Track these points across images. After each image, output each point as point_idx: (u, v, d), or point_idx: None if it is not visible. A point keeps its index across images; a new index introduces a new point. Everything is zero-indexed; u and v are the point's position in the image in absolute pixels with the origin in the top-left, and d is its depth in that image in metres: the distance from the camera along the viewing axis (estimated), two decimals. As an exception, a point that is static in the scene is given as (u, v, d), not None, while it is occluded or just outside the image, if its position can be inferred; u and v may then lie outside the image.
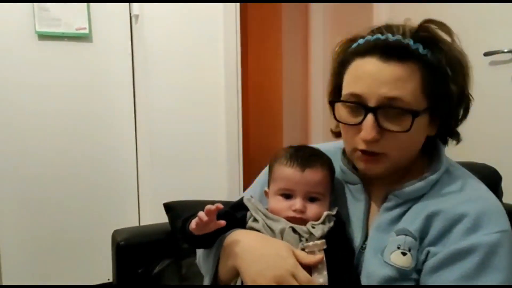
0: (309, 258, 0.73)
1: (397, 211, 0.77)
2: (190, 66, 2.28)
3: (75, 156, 2.20)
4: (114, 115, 2.26)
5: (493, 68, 1.69)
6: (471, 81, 0.76)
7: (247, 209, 0.83)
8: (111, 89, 2.23)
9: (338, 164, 0.87)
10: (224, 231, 0.79)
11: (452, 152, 0.83)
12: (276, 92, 3.61)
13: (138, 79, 2.26)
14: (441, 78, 0.73)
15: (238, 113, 2.38)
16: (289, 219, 0.79)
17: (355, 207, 0.83)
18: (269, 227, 0.79)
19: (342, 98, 0.78)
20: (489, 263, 0.67)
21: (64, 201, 2.19)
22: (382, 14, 2.27)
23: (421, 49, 0.72)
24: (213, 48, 2.30)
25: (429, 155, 0.82)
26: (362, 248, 0.79)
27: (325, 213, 0.79)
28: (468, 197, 0.73)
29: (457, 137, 0.81)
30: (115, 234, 1.38)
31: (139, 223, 2.33)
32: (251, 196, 0.88)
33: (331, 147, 0.90)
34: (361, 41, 0.77)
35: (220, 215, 0.74)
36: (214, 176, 2.36)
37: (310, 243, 0.75)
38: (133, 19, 2.22)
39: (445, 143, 0.82)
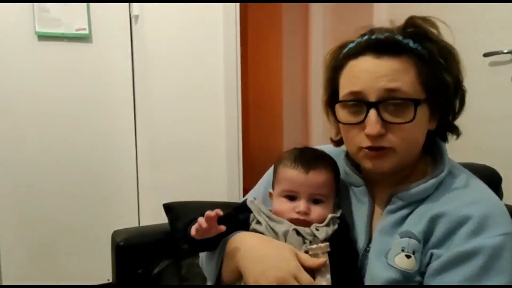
0: (313, 261, 0.73)
1: (400, 214, 0.77)
2: (190, 66, 2.27)
3: (75, 157, 2.20)
4: (114, 116, 2.25)
5: (493, 68, 1.69)
6: (463, 71, 0.77)
7: (250, 211, 0.83)
8: (111, 89, 2.23)
9: (342, 166, 0.87)
10: (227, 233, 0.79)
11: (452, 152, 0.83)
12: (276, 92, 3.61)
13: (138, 80, 2.26)
14: (435, 69, 0.74)
15: (238, 113, 2.37)
16: (293, 221, 0.79)
17: (359, 210, 0.83)
18: (272, 229, 0.79)
19: (341, 99, 0.78)
20: (493, 265, 0.67)
21: (64, 202, 2.19)
22: (382, 14, 2.27)
23: (411, 43, 0.74)
24: (213, 48, 2.30)
25: (431, 156, 0.82)
26: (366, 250, 0.79)
27: (330, 215, 0.79)
28: (472, 199, 0.73)
29: (456, 131, 0.82)
30: (115, 234, 1.38)
31: (139, 224, 2.33)
32: (254, 198, 0.88)
33: (334, 149, 0.90)
34: (351, 44, 0.78)
35: (222, 217, 0.74)
36: (214, 176, 2.36)
37: (314, 246, 0.75)
38: (133, 19, 2.21)
39: (445, 140, 0.83)
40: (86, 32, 2.13)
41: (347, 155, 0.87)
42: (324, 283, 0.73)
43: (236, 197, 2.35)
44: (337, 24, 3.00)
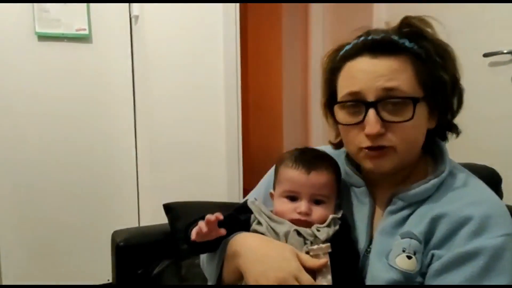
0: (313, 262, 0.73)
1: (401, 214, 0.77)
2: (190, 66, 2.27)
3: (75, 157, 2.19)
4: (114, 116, 2.25)
5: (493, 69, 1.69)
6: (460, 69, 0.78)
7: (251, 212, 0.83)
8: (111, 89, 2.23)
9: (342, 166, 0.87)
10: (227, 234, 0.78)
11: (452, 152, 0.83)
12: (276, 92, 3.61)
13: (138, 80, 2.25)
14: (432, 67, 0.75)
15: (238, 113, 2.37)
16: (294, 221, 0.79)
17: (360, 211, 0.83)
18: (273, 230, 0.78)
19: (339, 100, 0.78)
20: (494, 266, 0.67)
21: (64, 202, 2.19)
22: (382, 14, 2.27)
23: (407, 42, 0.74)
24: (213, 48, 2.30)
25: (431, 156, 0.82)
26: (367, 251, 0.79)
27: (331, 216, 0.79)
28: (473, 199, 0.73)
29: (456, 130, 0.82)
30: (115, 234, 1.38)
31: (139, 224, 2.32)
32: (255, 198, 0.88)
33: (335, 149, 0.90)
34: (348, 46, 0.79)
35: (223, 219, 0.74)
36: (214, 176, 2.36)
37: (315, 247, 0.75)
38: (133, 20, 2.21)
39: (445, 139, 0.83)
40: (86, 32, 2.13)
41: (348, 155, 0.87)
42: (325, 283, 0.72)
43: (236, 197, 2.36)
44: (337, 24, 3.00)
